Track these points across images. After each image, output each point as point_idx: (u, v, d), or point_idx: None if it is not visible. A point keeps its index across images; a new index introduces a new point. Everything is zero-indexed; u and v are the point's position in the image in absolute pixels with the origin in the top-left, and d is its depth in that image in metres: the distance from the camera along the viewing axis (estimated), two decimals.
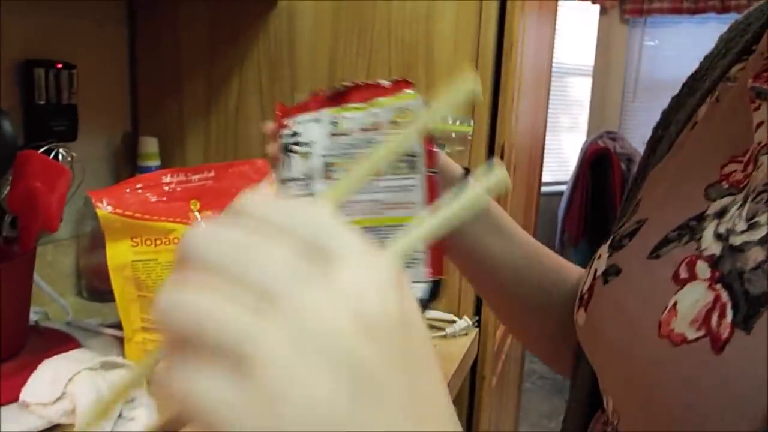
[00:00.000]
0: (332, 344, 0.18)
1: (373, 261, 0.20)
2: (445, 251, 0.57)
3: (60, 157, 0.75)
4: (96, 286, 1.04)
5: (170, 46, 1.13)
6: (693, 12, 3.33)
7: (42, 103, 0.96)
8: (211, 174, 0.84)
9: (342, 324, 0.18)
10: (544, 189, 3.33)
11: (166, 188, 0.79)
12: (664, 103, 0.53)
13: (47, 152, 0.73)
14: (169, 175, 0.79)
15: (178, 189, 0.80)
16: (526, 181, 1.41)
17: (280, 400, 0.17)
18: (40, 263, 0.98)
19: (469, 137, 1.13)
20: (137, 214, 0.74)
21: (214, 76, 1.12)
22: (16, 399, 0.66)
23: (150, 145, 1.13)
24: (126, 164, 1.17)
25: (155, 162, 1.14)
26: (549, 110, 2.36)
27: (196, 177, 0.83)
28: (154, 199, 0.77)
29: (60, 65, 0.98)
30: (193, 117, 1.15)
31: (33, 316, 0.84)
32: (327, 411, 0.17)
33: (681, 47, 3.44)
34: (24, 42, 0.96)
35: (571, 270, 0.60)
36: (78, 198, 0.97)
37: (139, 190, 0.76)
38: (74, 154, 0.77)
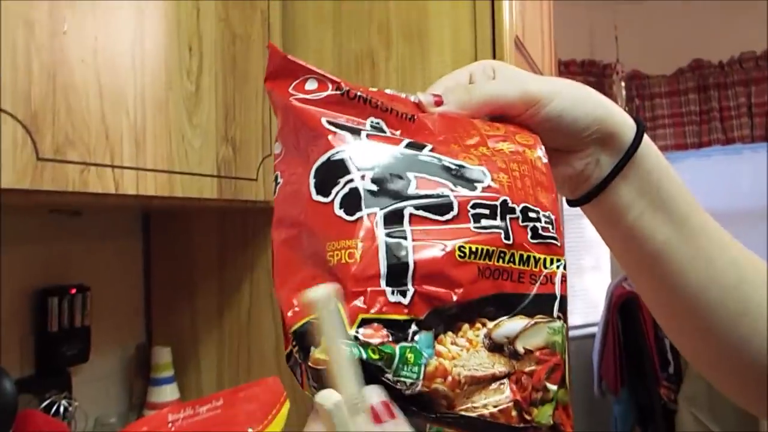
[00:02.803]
0: None
1: None
2: (592, 219, 0.44)
3: (62, 408, 0.73)
4: None
5: (183, 257, 1.15)
6: (698, 146, 3.39)
7: (55, 330, 0.96)
8: (220, 402, 0.81)
9: None
10: (575, 332, 3.24)
11: (171, 427, 0.76)
12: None
13: (50, 405, 0.71)
14: (173, 413, 0.76)
15: (185, 425, 0.77)
16: None
17: None
18: None
19: None
20: None
21: (225, 284, 1.13)
22: None
23: (163, 355, 1.11)
24: (139, 376, 1.15)
25: (168, 372, 1.12)
26: (569, 252, 2.34)
27: (203, 409, 0.80)
28: None
29: (74, 290, 0.99)
30: (207, 324, 1.15)
31: None
32: None
33: (688, 183, 3.46)
34: (39, 270, 0.98)
35: None
36: None
37: None
38: (76, 404, 0.75)
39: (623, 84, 3.16)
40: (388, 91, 0.39)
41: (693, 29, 3.16)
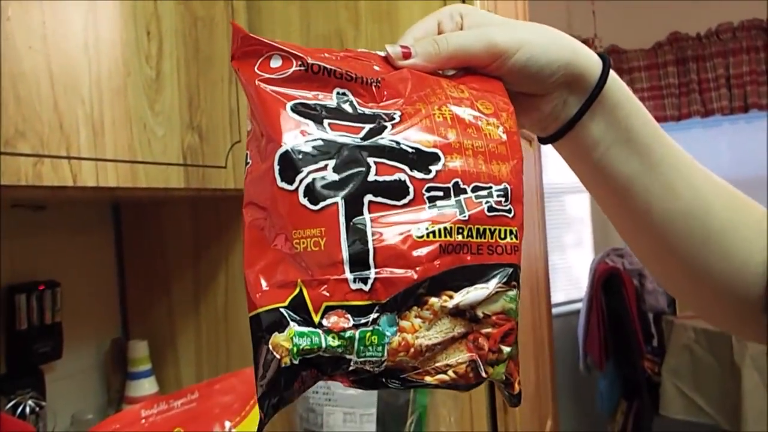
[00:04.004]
0: None
1: None
2: (561, 151, 0.45)
3: (28, 409, 0.71)
4: None
5: (156, 248, 1.13)
6: (677, 119, 3.40)
7: (24, 328, 0.94)
8: (195, 396, 0.80)
9: None
10: (558, 309, 3.25)
11: (145, 423, 0.74)
12: None
13: (15, 407, 0.69)
14: (147, 408, 0.75)
15: (159, 420, 0.75)
16: (531, 302, 1.34)
17: None
18: None
19: None
20: None
21: (201, 274, 1.10)
22: None
23: (140, 349, 1.09)
24: (116, 371, 1.13)
25: (146, 366, 1.10)
26: (551, 230, 2.33)
27: (178, 403, 0.78)
28: None
29: (42, 286, 0.97)
30: (183, 315, 1.12)
31: None
32: None
33: None
34: (3, 266, 0.96)
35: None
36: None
37: None
38: (44, 404, 0.73)
39: None
40: (359, 50, 0.41)
41: (670, 2, 3.15)
